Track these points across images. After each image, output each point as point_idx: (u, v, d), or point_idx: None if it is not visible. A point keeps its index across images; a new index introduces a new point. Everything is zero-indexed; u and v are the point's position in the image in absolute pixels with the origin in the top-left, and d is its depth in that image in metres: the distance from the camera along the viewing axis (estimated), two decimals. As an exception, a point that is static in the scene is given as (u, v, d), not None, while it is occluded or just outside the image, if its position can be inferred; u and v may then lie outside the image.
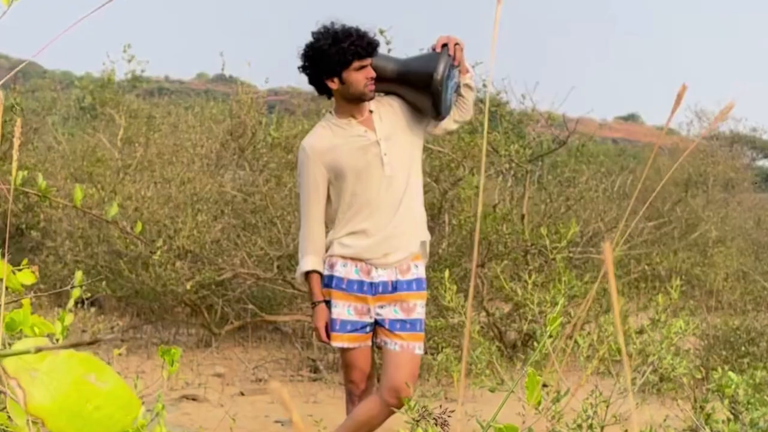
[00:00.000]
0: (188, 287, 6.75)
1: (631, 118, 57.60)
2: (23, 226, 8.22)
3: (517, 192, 7.86)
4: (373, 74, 3.53)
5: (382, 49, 6.84)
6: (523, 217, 7.20)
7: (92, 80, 12.36)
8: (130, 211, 7.25)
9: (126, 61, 8.77)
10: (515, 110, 8.03)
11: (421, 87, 3.47)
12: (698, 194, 11.28)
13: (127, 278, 7.13)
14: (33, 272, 2.45)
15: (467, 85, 3.63)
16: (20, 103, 8.51)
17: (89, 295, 7.54)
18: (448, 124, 3.70)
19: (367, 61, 3.51)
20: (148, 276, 6.92)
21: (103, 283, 7.15)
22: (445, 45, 3.48)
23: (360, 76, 3.51)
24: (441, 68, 3.42)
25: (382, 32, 6.85)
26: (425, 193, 7.09)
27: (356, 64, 3.50)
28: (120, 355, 7.08)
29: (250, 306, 7.47)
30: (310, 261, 3.60)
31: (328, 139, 3.58)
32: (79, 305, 6.47)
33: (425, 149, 6.69)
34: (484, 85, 7.50)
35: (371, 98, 3.57)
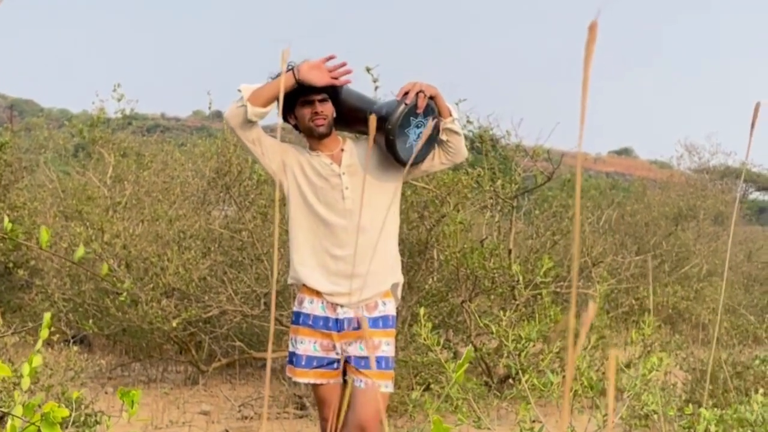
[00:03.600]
0: (174, 324, 6.75)
1: (624, 152, 57.86)
2: (11, 264, 8.23)
3: (505, 227, 7.88)
4: (321, 109, 3.57)
5: (369, 87, 6.88)
6: (509, 251, 7.21)
7: (85, 118, 12.42)
8: (117, 248, 7.26)
9: (116, 100, 8.82)
10: (503, 145, 8.05)
11: (380, 132, 3.50)
12: (689, 228, 11.31)
13: (114, 316, 7.13)
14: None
15: (449, 129, 3.59)
16: (8, 142, 8.54)
17: (73, 333, 7.54)
18: (430, 166, 3.70)
19: (312, 96, 3.55)
20: (135, 314, 6.92)
21: (90, 321, 7.15)
22: (407, 93, 3.50)
23: (305, 111, 3.57)
24: (393, 117, 3.44)
25: (368, 70, 6.89)
26: (411, 229, 7.16)
27: (300, 99, 3.56)
28: (106, 393, 7.06)
29: (238, 343, 7.47)
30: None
31: (299, 152, 3.65)
32: (64, 343, 6.46)
33: (410, 185, 6.72)
34: (469, 122, 7.58)
35: (320, 134, 3.59)
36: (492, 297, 7.28)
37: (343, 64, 3.55)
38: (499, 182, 7.06)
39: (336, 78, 3.54)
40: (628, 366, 4.86)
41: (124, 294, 6.44)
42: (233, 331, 7.52)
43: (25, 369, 2.71)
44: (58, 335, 6.55)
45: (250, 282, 7.09)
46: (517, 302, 6.99)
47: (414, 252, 7.21)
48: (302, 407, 6.76)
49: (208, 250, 7.45)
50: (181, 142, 12.51)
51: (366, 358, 3.51)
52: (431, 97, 3.51)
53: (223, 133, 7.44)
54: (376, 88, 6.86)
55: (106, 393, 7.01)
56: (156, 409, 6.57)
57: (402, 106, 3.45)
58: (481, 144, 7.18)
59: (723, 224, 12.60)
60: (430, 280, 7.29)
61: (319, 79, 3.50)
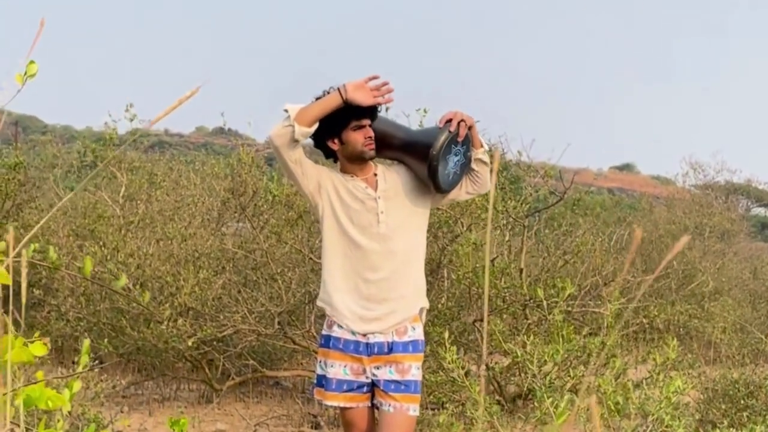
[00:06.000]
0: (190, 344, 6.79)
1: (626, 167, 58.02)
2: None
3: (515, 246, 7.94)
4: (372, 134, 3.63)
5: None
6: (521, 271, 7.27)
7: (92, 134, 12.49)
8: (132, 268, 7.31)
9: (128, 120, 8.88)
10: (513, 163, 8.14)
11: (421, 159, 3.57)
12: (695, 245, 11.37)
13: (129, 335, 7.17)
14: (45, 344, 2.52)
15: (480, 160, 3.69)
16: (22, 162, 8.62)
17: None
18: (458, 195, 3.78)
19: (365, 121, 3.60)
20: (150, 333, 6.96)
21: (105, 340, 7.19)
22: (449, 121, 3.58)
23: (358, 136, 3.60)
24: (438, 144, 3.51)
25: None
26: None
27: (353, 123, 3.59)
28: (122, 412, 7.10)
29: (251, 362, 7.51)
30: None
31: (333, 174, 3.68)
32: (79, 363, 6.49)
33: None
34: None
35: (371, 157, 3.66)
36: (504, 316, 7.33)
37: (386, 83, 3.59)
38: (511, 203, 7.12)
39: (379, 97, 3.58)
40: (638, 385, 4.91)
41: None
42: (246, 349, 7.56)
43: (66, 395, 2.75)
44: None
45: (264, 301, 7.14)
46: (529, 321, 7.05)
47: (426, 272, 7.25)
48: (317, 426, 6.80)
49: (222, 269, 7.51)
50: (190, 159, 12.58)
51: (396, 381, 3.56)
52: (469, 128, 3.60)
53: (238, 153, 7.49)
54: (387, 109, 6.93)
55: (122, 412, 7.05)
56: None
57: (446, 133, 3.53)
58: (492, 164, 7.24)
59: (729, 241, 12.67)
60: (443, 299, 7.34)
61: (365, 98, 3.53)
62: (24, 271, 1.19)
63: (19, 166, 8.51)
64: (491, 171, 3.83)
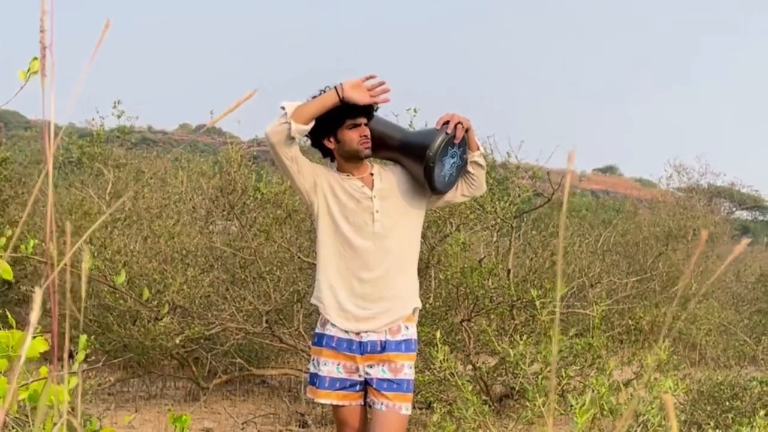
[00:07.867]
0: (177, 342, 6.78)
1: (609, 170, 58.41)
2: (13, 279, 8.23)
3: (503, 246, 7.96)
4: (367, 132, 3.64)
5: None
6: (509, 271, 7.30)
7: (75, 131, 12.42)
8: (119, 265, 7.28)
9: (116, 117, 8.86)
10: (499, 164, 8.17)
11: (418, 160, 3.59)
12: (678, 248, 11.43)
13: (116, 332, 7.15)
14: (46, 340, 2.52)
15: (476, 162, 3.71)
16: (8, 158, 8.58)
17: (72, 348, 7.55)
18: (453, 197, 3.80)
19: (360, 119, 3.62)
20: (137, 330, 6.95)
21: (92, 336, 7.16)
22: (446, 122, 3.60)
23: (354, 134, 3.62)
24: (435, 145, 3.54)
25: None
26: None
27: (348, 122, 3.60)
28: (108, 410, 7.08)
29: (238, 360, 7.50)
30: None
31: (329, 172, 3.70)
32: (70, 360, 6.48)
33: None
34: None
35: (367, 155, 3.67)
36: (492, 317, 7.35)
37: (382, 83, 3.61)
38: (500, 204, 7.15)
39: (375, 96, 3.60)
40: (627, 385, 4.95)
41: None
42: (233, 347, 7.55)
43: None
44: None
45: (252, 299, 7.14)
46: (516, 322, 7.08)
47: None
48: (304, 425, 6.81)
49: (210, 267, 7.50)
50: (175, 156, 12.55)
51: (388, 380, 3.57)
52: (465, 130, 3.62)
53: (227, 151, 7.48)
54: (376, 108, 6.94)
55: (108, 409, 7.02)
56: (159, 426, 6.61)
57: (443, 135, 3.55)
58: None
59: (712, 244, 12.75)
60: (431, 299, 7.36)
61: (361, 97, 3.55)
62: (84, 275, 1.19)
63: (6, 161, 8.47)
64: (486, 173, 3.87)
